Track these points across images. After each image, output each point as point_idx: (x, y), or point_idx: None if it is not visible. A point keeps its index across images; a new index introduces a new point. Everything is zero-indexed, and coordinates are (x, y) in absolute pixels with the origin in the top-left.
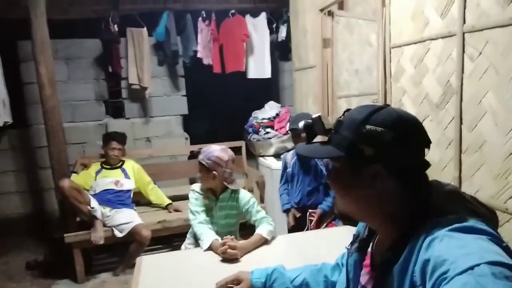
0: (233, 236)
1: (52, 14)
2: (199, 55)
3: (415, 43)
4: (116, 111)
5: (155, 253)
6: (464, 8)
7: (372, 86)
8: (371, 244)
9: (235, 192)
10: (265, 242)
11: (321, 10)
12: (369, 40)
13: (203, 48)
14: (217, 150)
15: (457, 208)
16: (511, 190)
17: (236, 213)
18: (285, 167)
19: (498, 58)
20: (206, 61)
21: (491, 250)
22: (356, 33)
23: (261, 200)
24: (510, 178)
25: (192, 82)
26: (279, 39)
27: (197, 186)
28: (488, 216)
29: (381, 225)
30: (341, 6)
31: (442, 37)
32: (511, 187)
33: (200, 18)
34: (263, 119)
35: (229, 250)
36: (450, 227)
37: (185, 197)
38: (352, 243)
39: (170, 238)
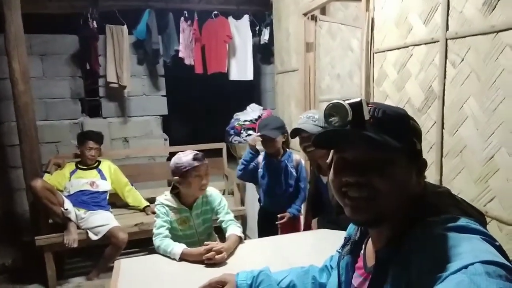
0: (216, 242)
1: (30, 8)
2: (180, 54)
3: (398, 48)
4: (93, 110)
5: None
6: (447, 15)
7: (353, 91)
8: (363, 246)
9: (205, 195)
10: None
11: (305, 15)
12: (351, 46)
13: (185, 48)
14: (179, 158)
15: (449, 208)
16: (491, 193)
17: (211, 216)
18: (255, 164)
19: (480, 65)
20: (187, 61)
21: (485, 249)
22: (338, 38)
23: (242, 203)
24: (489, 182)
25: (173, 82)
26: (262, 42)
27: (165, 199)
28: (477, 217)
29: (391, 222)
30: (323, 12)
31: (425, 43)
32: (491, 190)
33: (182, 18)
34: (245, 121)
35: (217, 256)
36: (445, 226)
37: None
38: (343, 246)
39: (147, 241)
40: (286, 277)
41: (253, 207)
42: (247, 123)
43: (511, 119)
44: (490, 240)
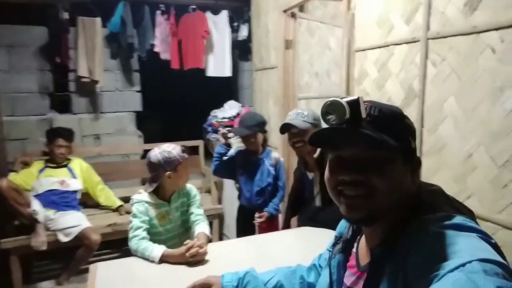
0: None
1: None
2: (156, 49)
3: (379, 47)
4: (62, 105)
5: (106, 258)
6: (429, 15)
7: (330, 89)
8: (355, 244)
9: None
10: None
11: (284, 11)
12: (329, 44)
13: (161, 42)
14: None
15: (444, 206)
16: (469, 191)
17: (187, 209)
18: (230, 159)
19: (460, 65)
20: (163, 56)
21: (482, 247)
22: (316, 36)
23: (219, 201)
24: (468, 180)
25: (148, 78)
26: (240, 38)
27: (144, 196)
28: (468, 215)
29: (386, 221)
30: (301, 9)
31: (406, 43)
32: (469, 188)
33: (158, 11)
34: (223, 118)
35: (200, 251)
36: (441, 224)
37: None
38: (334, 245)
39: (121, 242)
40: (273, 278)
41: (231, 206)
42: (225, 120)
43: (490, 119)
44: (486, 238)
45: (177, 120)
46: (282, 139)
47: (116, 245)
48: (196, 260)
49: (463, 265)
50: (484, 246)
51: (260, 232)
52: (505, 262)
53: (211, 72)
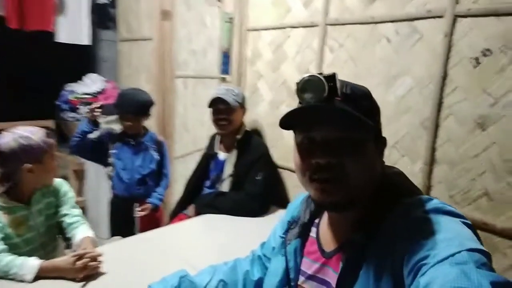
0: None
1: None
2: None
3: (274, 28)
4: None
5: None
6: (328, 2)
7: (206, 69)
8: (313, 229)
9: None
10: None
11: None
12: (205, 22)
13: None
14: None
15: (415, 189)
16: None
17: (55, 211)
18: (98, 139)
19: (357, 52)
20: None
21: (468, 235)
22: (194, 12)
23: (79, 193)
24: None
25: None
26: (98, 1)
27: None
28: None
29: (360, 204)
30: None
31: (304, 26)
32: None
33: None
34: (84, 94)
35: (91, 263)
36: (424, 209)
37: None
38: (287, 231)
39: None
40: (212, 279)
41: (97, 199)
42: (87, 96)
43: (383, 105)
44: (465, 221)
45: (17, 94)
46: (155, 121)
47: None
48: (88, 273)
49: (453, 255)
50: (469, 233)
51: (141, 227)
52: (486, 250)
53: (64, 37)
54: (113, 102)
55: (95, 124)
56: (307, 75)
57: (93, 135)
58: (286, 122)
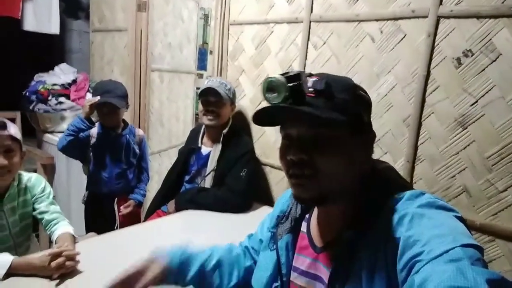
0: (66, 244)
1: None
2: None
3: (257, 23)
4: None
5: None
6: None
7: (182, 63)
8: (303, 223)
9: (20, 181)
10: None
11: None
12: (182, 15)
13: None
14: None
15: (406, 184)
16: None
17: (31, 209)
18: (85, 136)
19: (340, 50)
20: None
21: (461, 230)
22: (171, 4)
23: None
24: None
25: None
26: None
27: None
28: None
29: (343, 200)
30: None
31: (287, 22)
32: None
33: None
34: (54, 85)
35: (68, 263)
36: (419, 203)
37: None
38: (277, 225)
39: None
40: (210, 256)
41: (67, 194)
42: (57, 87)
43: None
44: (458, 214)
45: None
46: (130, 115)
47: None
48: (64, 271)
49: (447, 251)
50: (462, 227)
51: (121, 223)
52: (479, 244)
53: (31, 25)
54: (85, 93)
55: (90, 121)
56: (271, 76)
57: (86, 133)
58: (258, 119)
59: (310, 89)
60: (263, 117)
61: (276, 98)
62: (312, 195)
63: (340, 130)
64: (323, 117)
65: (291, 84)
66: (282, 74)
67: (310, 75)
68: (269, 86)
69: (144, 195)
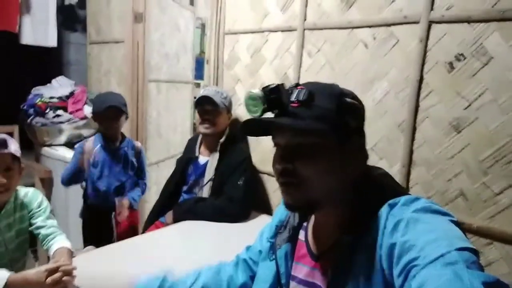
0: (63, 259)
1: None
2: None
3: (252, 32)
4: None
5: None
6: (306, 6)
7: (179, 73)
8: (301, 232)
9: (18, 197)
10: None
11: None
12: (178, 25)
13: None
14: None
15: (402, 189)
16: None
17: (28, 224)
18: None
19: (334, 57)
20: None
21: (457, 234)
22: (168, 14)
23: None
24: None
25: None
26: (66, 3)
27: None
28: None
29: (337, 206)
30: None
31: (282, 31)
32: None
33: None
34: (52, 98)
35: (65, 278)
36: (415, 208)
37: None
38: (276, 234)
39: None
40: (196, 282)
41: (65, 208)
42: (55, 100)
43: None
44: (453, 218)
45: None
46: (129, 126)
47: None
48: (62, 287)
49: (443, 255)
50: (457, 231)
51: (119, 235)
52: (474, 247)
53: (29, 39)
54: (82, 105)
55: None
56: (252, 90)
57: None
58: (245, 131)
59: (293, 100)
60: (252, 128)
61: (256, 111)
62: (299, 203)
63: (323, 139)
64: (302, 127)
65: (271, 97)
66: (264, 88)
67: (297, 85)
68: (248, 101)
69: (139, 197)
